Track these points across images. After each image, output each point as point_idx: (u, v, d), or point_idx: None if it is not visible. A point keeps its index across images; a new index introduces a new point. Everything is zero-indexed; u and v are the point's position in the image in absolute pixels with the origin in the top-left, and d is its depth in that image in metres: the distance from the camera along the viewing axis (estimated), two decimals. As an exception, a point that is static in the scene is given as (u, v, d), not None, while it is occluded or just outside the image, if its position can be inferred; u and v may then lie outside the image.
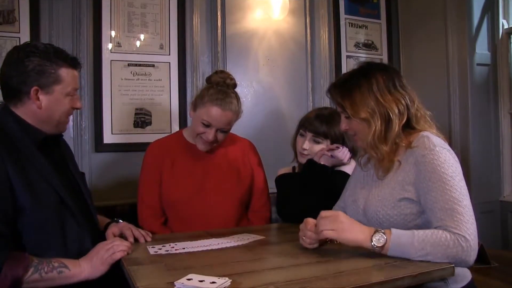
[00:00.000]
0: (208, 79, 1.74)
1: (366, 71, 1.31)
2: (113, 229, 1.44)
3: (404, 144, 1.25)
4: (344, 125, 1.35)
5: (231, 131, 1.78)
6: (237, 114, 1.71)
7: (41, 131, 1.31)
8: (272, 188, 1.90)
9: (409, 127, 1.28)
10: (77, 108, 1.39)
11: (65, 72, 1.31)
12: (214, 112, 1.62)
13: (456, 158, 1.23)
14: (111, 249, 1.24)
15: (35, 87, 1.26)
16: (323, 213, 1.21)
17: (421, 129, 1.27)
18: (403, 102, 1.26)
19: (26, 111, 1.29)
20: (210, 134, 1.64)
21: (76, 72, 1.36)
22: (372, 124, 1.24)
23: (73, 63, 1.35)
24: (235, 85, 1.74)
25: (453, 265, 1.15)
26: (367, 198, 1.31)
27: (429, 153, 1.18)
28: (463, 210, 1.12)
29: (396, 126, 1.24)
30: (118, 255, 1.22)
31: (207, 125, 1.64)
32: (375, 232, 1.14)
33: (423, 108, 1.32)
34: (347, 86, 1.31)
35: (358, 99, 1.27)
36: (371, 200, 1.29)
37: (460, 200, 1.13)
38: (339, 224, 1.17)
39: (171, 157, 1.74)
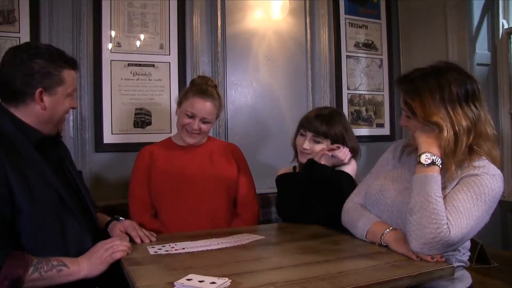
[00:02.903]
0: (192, 82, 1.91)
1: (440, 75, 1.22)
2: (119, 227, 1.45)
3: (465, 161, 1.21)
4: (403, 121, 1.32)
5: (226, 133, 1.85)
6: (218, 107, 1.84)
7: (38, 131, 1.31)
8: (273, 188, 1.90)
9: (470, 146, 1.22)
10: (74, 108, 1.42)
11: (67, 74, 1.33)
12: (196, 103, 1.77)
13: (501, 193, 1.21)
14: (111, 248, 1.24)
15: (40, 89, 1.27)
16: None
17: (483, 150, 1.22)
18: (471, 118, 1.19)
19: (28, 112, 1.29)
20: (194, 124, 1.78)
21: (75, 73, 1.38)
22: (444, 130, 1.17)
23: (73, 64, 1.37)
24: (216, 86, 1.89)
25: (453, 265, 1.15)
26: (401, 192, 1.29)
27: (486, 174, 1.18)
28: (470, 222, 1.12)
29: (464, 142, 1.18)
30: (117, 255, 1.23)
31: (191, 116, 1.78)
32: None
33: (490, 124, 1.24)
34: (417, 85, 1.23)
35: (428, 103, 1.19)
36: (405, 196, 1.26)
37: (476, 217, 1.13)
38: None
39: (160, 158, 1.84)
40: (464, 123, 1.18)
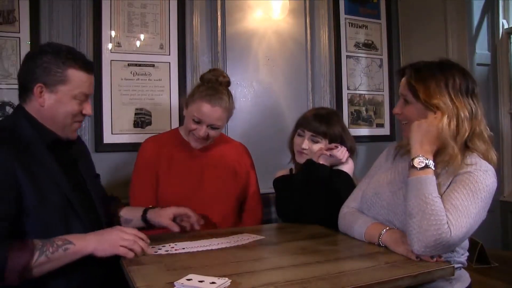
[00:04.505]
0: (201, 77, 1.77)
1: (445, 67, 1.26)
2: (172, 211, 1.46)
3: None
4: (398, 108, 1.32)
5: (226, 134, 1.79)
6: (228, 110, 1.72)
7: (53, 132, 1.30)
8: (271, 188, 1.90)
9: (465, 143, 1.22)
10: (86, 115, 1.36)
11: (74, 74, 1.29)
12: (203, 108, 1.64)
13: (495, 188, 1.21)
14: (128, 241, 1.19)
15: (39, 84, 1.27)
16: None
17: (479, 151, 1.23)
18: (469, 111, 1.21)
19: (32, 109, 1.29)
20: (201, 131, 1.67)
21: (90, 76, 1.33)
22: (445, 114, 1.18)
23: (86, 67, 1.32)
24: (228, 83, 1.76)
25: (453, 265, 1.15)
26: (395, 193, 1.29)
27: (479, 171, 1.17)
28: (469, 220, 1.12)
29: (466, 129, 1.20)
30: (129, 254, 1.17)
31: (198, 122, 1.67)
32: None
33: (485, 126, 1.25)
34: (423, 72, 1.26)
35: (433, 87, 1.22)
36: (400, 197, 1.27)
37: (474, 214, 1.13)
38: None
39: (167, 155, 1.76)
40: (465, 111, 1.20)
